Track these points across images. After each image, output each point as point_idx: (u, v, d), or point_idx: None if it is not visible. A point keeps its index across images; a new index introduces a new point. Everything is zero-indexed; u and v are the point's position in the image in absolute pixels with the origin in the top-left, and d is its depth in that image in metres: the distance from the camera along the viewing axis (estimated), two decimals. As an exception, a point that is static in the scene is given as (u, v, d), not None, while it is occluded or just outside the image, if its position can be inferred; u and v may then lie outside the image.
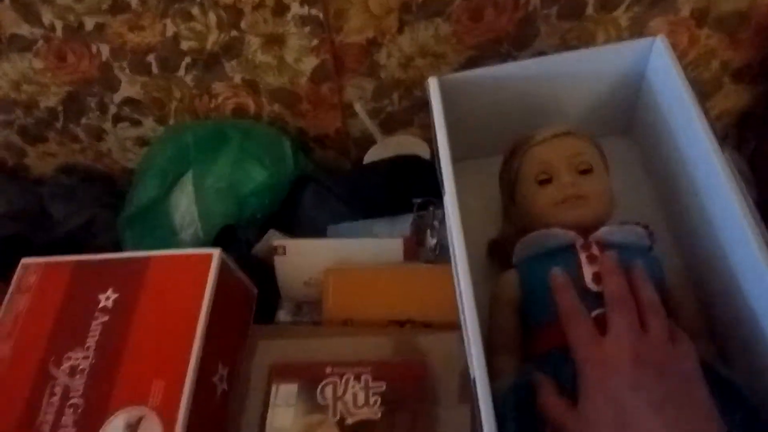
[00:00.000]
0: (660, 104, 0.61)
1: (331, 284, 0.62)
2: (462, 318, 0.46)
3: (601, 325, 0.46)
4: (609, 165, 0.60)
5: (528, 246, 0.56)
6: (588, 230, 0.54)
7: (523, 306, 0.55)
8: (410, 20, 0.67)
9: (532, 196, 0.57)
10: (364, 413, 0.52)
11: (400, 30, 0.68)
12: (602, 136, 0.62)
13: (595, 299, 0.49)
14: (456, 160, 0.53)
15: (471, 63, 0.70)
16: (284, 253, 0.66)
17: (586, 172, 0.56)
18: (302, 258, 0.65)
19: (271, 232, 0.69)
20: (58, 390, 0.51)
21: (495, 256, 0.62)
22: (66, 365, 0.52)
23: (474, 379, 0.43)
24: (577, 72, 0.62)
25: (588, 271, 0.51)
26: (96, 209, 0.85)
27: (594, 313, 0.48)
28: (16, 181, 0.88)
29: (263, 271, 0.67)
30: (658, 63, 0.60)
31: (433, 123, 0.55)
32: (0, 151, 0.87)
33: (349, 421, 0.52)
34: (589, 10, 0.66)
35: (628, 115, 0.68)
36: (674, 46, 0.58)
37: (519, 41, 0.69)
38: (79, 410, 0.49)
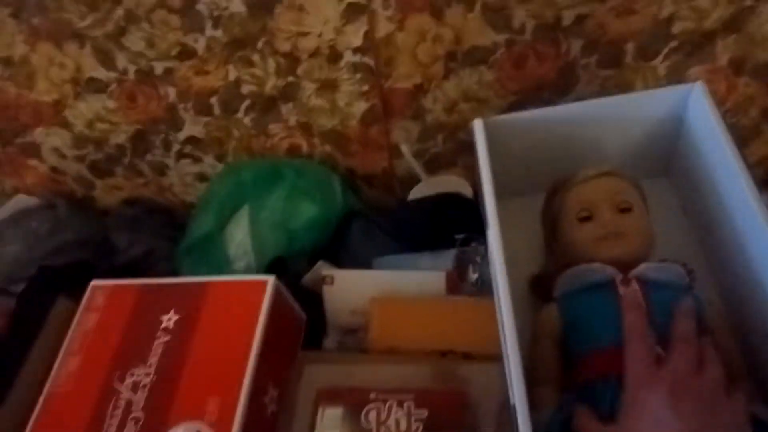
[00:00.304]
0: (699, 149, 0.63)
1: (377, 313, 0.65)
2: (504, 347, 0.48)
3: None
4: (648, 206, 0.62)
5: (569, 280, 0.58)
6: (627, 267, 0.55)
7: (563, 338, 0.57)
8: (455, 67, 0.71)
9: (572, 233, 0.59)
10: (406, 439, 0.54)
11: (446, 76, 0.72)
12: (642, 179, 0.64)
13: None
14: (498, 197, 0.56)
15: (513, 108, 0.74)
16: (332, 283, 0.69)
17: (625, 210, 0.58)
18: (349, 288, 0.69)
19: (321, 263, 0.73)
20: (121, 404, 0.54)
21: (536, 290, 0.64)
22: (129, 381, 0.56)
23: (514, 405, 0.45)
24: (618, 116, 0.65)
25: None
26: (156, 240, 0.90)
27: None
28: (83, 211, 0.94)
29: (311, 300, 0.70)
30: (696, 109, 0.62)
31: (477, 161, 0.58)
32: (71, 183, 0.94)
33: (392, 445, 0.54)
34: (628, 58, 0.69)
35: (667, 159, 0.70)
36: (712, 93, 0.61)
37: (560, 88, 0.72)
38: (140, 423, 0.53)
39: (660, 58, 0.69)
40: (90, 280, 0.67)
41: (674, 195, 0.71)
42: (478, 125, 0.61)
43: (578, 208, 0.60)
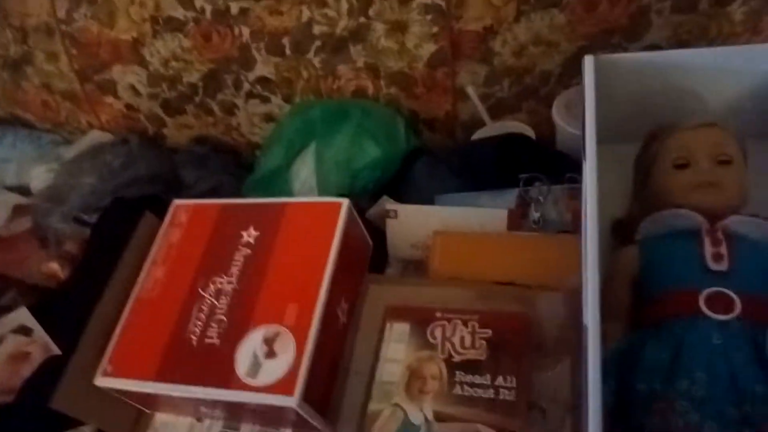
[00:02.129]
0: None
1: (439, 245, 0.67)
2: (583, 269, 0.49)
3: (715, 302, 0.49)
4: (748, 164, 0.60)
5: (654, 224, 0.58)
6: (716, 218, 0.55)
7: (638, 280, 0.58)
8: (527, 10, 0.72)
9: (667, 179, 0.59)
10: (471, 354, 0.57)
11: (517, 19, 0.73)
12: (747, 137, 0.62)
13: (714, 277, 0.51)
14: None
15: (582, 52, 0.74)
16: (395, 217, 0.72)
17: (724, 162, 0.58)
18: (411, 222, 0.71)
19: (384, 198, 0.76)
20: (205, 308, 0.58)
21: (618, 234, 0.65)
22: (212, 288, 0.60)
23: (586, 326, 0.46)
24: (726, 68, 0.63)
25: (709, 251, 0.53)
26: (223, 176, 0.94)
27: (708, 291, 0.51)
28: (155, 148, 0.99)
29: (374, 234, 0.73)
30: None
31: (583, 97, 0.57)
32: (143, 120, 0.98)
33: (456, 359, 0.57)
34: (703, 4, 0.69)
35: None
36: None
37: (631, 33, 0.73)
38: (223, 325, 0.57)
39: (737, 3, 0.69)
40: (160, 212, 0.70)
41: None
42: (588, 61, 0.60)
43: (676, 155, 0.59)
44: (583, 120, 0.57)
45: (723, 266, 0.52)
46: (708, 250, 0.53)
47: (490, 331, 0.58)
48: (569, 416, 0.53)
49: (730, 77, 0.64)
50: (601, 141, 0.53)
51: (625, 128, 0.65)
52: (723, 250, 0.53)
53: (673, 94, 0.65)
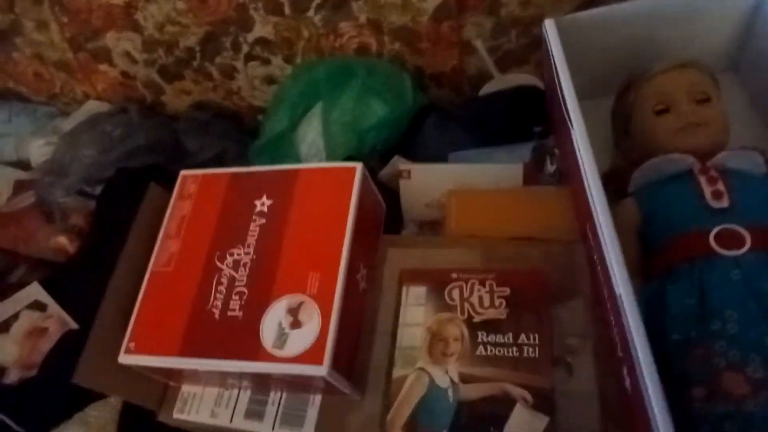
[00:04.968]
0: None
1: (455, 204, 0.67)
2: (602, 239, 0.48)
3: (725, 239, 0.49)
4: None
5: (646, 173, 0.58)
6: (705, 156, 0.56)
7: (643, 230, 0.58)
8: (534, -43, 0.70)
9: (649, 126, 0.60)
10: (491, 313, 0.57)
11: (524, -33, 0.71)
12: None
13: (717, 215, 0.52)
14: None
15: (591, 1, 0.72)
16: (409, 177, 0.71)
17: (703, 101, 0.58)
18: (426, 181, 0.71)
19: (397, 157, 0.74)
20: (224, 280, 0.58)
21: (607, 187, 0.65)
22: (230, 260, 0.59)
23: (620, 295, 0.45)
24: (687, 11, 0.63)
25: (708, 190, 0.53)
26: (226, 142, 0.93)
27: (717, 229, 0.51)
28: (153, 116, 0.97)
29: (386, 195, 0.72)
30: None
31: (552, 60, 0.57)
32: (141, 88, 0.96)
33: (477, 319, 0.57)
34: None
35: (736, 52, 0.69)
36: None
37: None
38: (245, 297, 0.57)
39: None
40: (164, 181, 0.69)
41: (742, 89, 0.70)
42: (550, 25, 0.59)
43: (655, 101, 0.60)
44: (557, 84, 0.56)
45: (724, 203, 0.52)
46: (706, 189, 0.53)
47: (507, 290, 0.58)
48: (594, 367, 0.54)
49: (690, 18, 0.64)
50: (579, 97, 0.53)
51: (595, 83, 0.65)
52: (720, 186, 0.53)
53: (638, 43, 0.65)
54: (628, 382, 0.47)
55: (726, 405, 0.46)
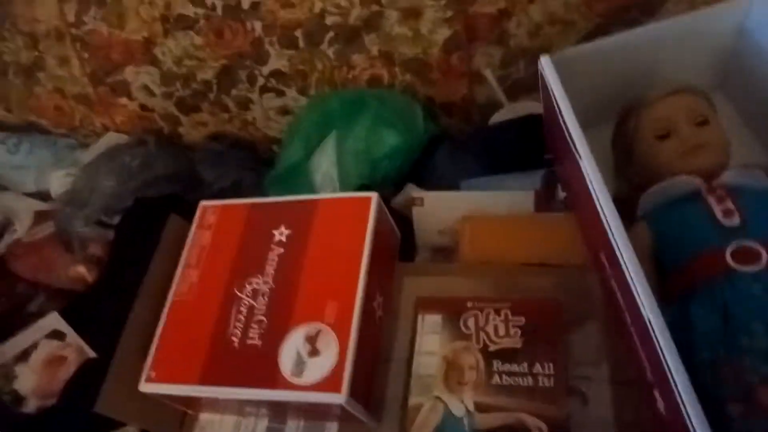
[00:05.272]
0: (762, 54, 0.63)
1: (468, 230, 0.68)
2: (622, 265, 0.49)
3: (741, 256, 0.50)
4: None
5: (654, 196, 0.59)
6: (710, 177, 0.57)
7: (657, 253, 0.59)
8: (542, -10, 0.72)
9: (653, 151, 0.61)
10: (506, 342, 0.58)
11: (531, 0, 0.73)
12: None
13: (730, 233, 0.53)
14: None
15: (599, 30, 0.74)
16: (422, 204, 0.72)
17: (702, 123, 0.60)
18: (438, 209, 0.72)
19: (410, 185, 0.76)
20: (243, 309, 0.59)
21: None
22: (249, 288, 0.60)
23: (648, 319, 0.45)
24: (676, 36, 0.65)
25: (718, 210, 0.54)
26: (241, 172, 0.94)
27: (732, 247, 0.52)
28: (171, 147, 0.99)
29: (401, 222, 0.74)
30: (760, 15, 0.62)
31: (553, 95, 0.58)
32: (158, 120, 0.98)
33: (492, 348, 0.58)
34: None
35: (723, 70, 0.70)
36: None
37: (647, 7, 0.72)
38: (264, 325, 0.58)
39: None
40: (181, 211, 0.71)
41: (732, 106, 0.71)
42: (546, 62, 0.60)
43: (655, 127, 0.61)
44: (560, 117, 0.56)
45: (735, 221, 0.53)
46: (716, 208, 0.54)
47: (523, 319, 0.59)
48: (610, 395, 0.54)
49: (679, 43, 0.66)
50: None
51: (592, 112, 0.65)
52: (730, 205, 0.54)
53: (631, 71, 0.66)
54: (662, 406, 0.47)
55: (765, 419, 0.46)
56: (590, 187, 0.52)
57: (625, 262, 0.48)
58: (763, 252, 0.51)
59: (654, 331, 0.44)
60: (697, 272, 0.53)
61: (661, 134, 0.60)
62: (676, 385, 0.42)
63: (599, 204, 0.51)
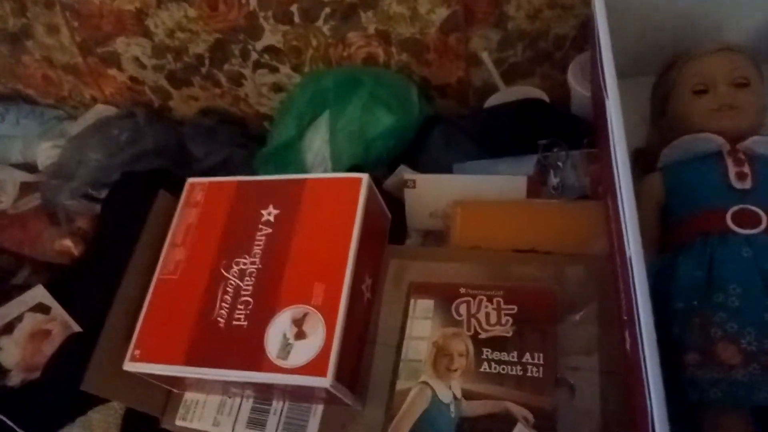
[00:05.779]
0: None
1: (459, 214, 0.67)
2: (619, 200, 0.48)
3: (741, 218, 0.51)
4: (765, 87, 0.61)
5: (676, 150, 0.59)
6: (736, 140, 0.57)
7: (665, 205, 0.59)
8: (543, -28, 0.70)
9: (686, 105, 0.60)
10: (497, 330, 0.57)
11: (532, -19, 0.71)
12: (763, 63, 0.62)
13: (738, 195, 0.54)
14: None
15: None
16: (414, 186, 0.71)
17: (742, 85, 0.59)
18: (430, 191, 0.71)
19: (402, 167, 0.75)
20: (230, 289, 0.58)
21: (639, 163, 0.65)
22: (236, 269, 0.59)
23: (629, 257, 0.45)
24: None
25: (733, 171, 0.55)
26: (232, 148, 0.93)
27: (735, 208, 0.53)
28: (160, 121, 0.97)
29: (391, 204, 0.73)
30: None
31: (596, 33, 0.56)
32: (148, 93, 0.97)
33: (483, 336, 0.57)
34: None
35: None
36: None
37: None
38: (250, 306, 0.57)
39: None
40: (170, 186, 0.69)
41: None
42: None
43: (694, 81, 0.60)
44: (599, 57, 0.55)
45: (747, 185, 0.54)
46: (731, 169, 0.55)
47: (515, 308, 0.58)
48: (598, 385, 0.54)
49: (741, 2, 0.64)
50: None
51: (638, 61, 0.65)
52: (746, 169, 0.54)
53: (685, 23, 0.65)
54: (628, 344, 0.48)
55: (716, 372, 0.48)
56: (609, 124, 0.51)
57: (622, 196, 0.47)
58: (765, 218, 0.52)
59: (632, 269, 0.44)
60: (695, 227, 0.54)
61: (699, 89, 0.60)
62: (639, 323, 0.42)
63: (612, 140, 0.49)
